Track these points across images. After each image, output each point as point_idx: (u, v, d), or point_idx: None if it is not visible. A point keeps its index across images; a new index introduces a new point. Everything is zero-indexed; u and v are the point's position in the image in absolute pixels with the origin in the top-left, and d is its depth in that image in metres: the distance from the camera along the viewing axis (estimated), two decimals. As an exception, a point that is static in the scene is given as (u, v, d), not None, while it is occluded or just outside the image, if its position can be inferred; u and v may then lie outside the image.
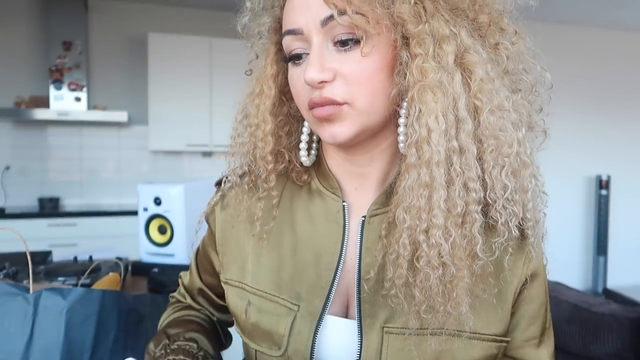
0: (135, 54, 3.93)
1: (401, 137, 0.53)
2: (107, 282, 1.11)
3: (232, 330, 0.75)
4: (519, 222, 0.53)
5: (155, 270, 1.40)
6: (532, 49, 0.55)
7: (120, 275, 1.19)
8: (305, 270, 0.59)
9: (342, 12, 0.49)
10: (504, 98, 0.50)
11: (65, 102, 3.66)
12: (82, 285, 1.12)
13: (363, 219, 0.58)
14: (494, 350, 0.55)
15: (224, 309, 0.74)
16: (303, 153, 0.62)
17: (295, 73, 0.55)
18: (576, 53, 4.71)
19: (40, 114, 3.53)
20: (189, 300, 0.78)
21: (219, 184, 0.71)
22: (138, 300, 0.82)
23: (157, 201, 1.53)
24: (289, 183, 0.65)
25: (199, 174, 4.18)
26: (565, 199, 4.76)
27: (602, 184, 4.59)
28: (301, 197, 0.63)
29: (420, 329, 0.52)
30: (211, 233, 0.70)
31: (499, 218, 0.51)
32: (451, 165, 0.49)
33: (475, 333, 0.53)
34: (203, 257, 0.73)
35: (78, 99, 3.70)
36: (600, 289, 4.57)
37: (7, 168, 3.71)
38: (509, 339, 0.57)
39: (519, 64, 0.54)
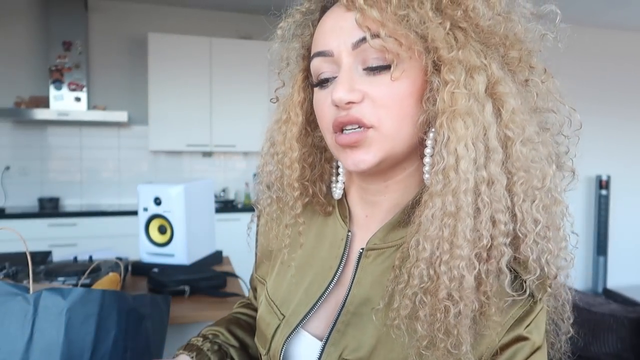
0: (135, 54, 3.93)
1: (426, 168, 0.53)
2: (107, 282, 1.11)
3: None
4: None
5: (155, 270, 1.40)
6: (560, 89, 0.55)
7: (120, 275, 1.19)
8: (301, 285, 0.62)
9: (375, 35, 0.49)
10: (534, 132, 0.50)
11: (65, 102, 3.67)
12: (82, 285, 1.12)
13: (361, 251, 0.59)
14: None
15: None
16: (339, 186, 0.63)
17: (321, 96, 0.55)
18: (576, 53, 4.71)
19: (40, 114, 3.54)
20: (250, 296, 0.85)
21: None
22: (138, 300, 0.82)
23: (157, 201, 1.53)
24: (314, 212, 0.66)
25: (199, 174, 4.18)
26: (565, 199, 4.75)
27: (602, 184, 4.59)
28: (320, 215, 0.66)
29: None
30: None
31: (530, 254, 0.49)
32: (479, 196, 0.47)
33: None
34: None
35: (78, 99, 3.70)
36: (600, 289, 4.57)
37: (7, 168, 3.71)
38: None
39: (547, 103, 0.54)
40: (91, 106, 3.81)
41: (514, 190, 0.49)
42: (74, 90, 3.69)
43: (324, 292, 0.60)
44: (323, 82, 0.55)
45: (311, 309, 0.59)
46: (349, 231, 0.61)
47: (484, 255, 0.47)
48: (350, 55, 0.51)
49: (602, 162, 4.83)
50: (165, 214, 1.52)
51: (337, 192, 0.63)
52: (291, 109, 0.62)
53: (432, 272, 0.48)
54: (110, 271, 1.22)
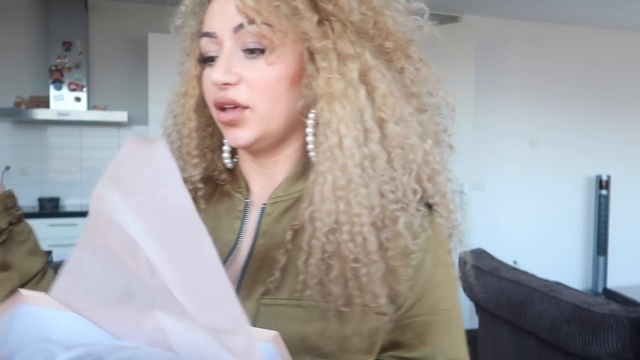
0: (135, 54, 3.93)
1: (310, 146, 0.58)
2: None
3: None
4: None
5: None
6: (437, 75, 0.62)
7: (120, 275, 1.19)
8: None
9: (251, 22, 0.53)
10: (408, 114, 0.56)
11: (65, 102, 3.66)
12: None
13: (263, 206, 0.61)
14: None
15: None
16: (226, 155, 0.66)
17: (207, 73, 0.59)
18: (576, 53, 4.71)
19: (40, 114, 3.53)
20: None
21: None
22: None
23: (157, 201, 1.52)
24: (211, 184, 0.68)
25: (199, 174, 4.17)
26: (565, 199, 4.76)
27: (602, 184, 4.59)
28: (213, 199, 0.67)
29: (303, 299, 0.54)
30: None
31: (414, 220, 0.55)
32: (364, 170, 0.52)
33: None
34: None
35: (78, 99, 3.70)
36: (600, 289, 4.57)
37: (7, 168, 3.71)
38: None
39: (423, 88, 0.61)
40: (91, 106, 3.81)
41: (393, 167, 0.55)
42: (74, 90, 3.69)
43: (227, 257, 0.60)
44: (209, 60, 0.58)
45: None
46: (247, 199, 0.64)
47: (380, 224, 0.53)
48: (232, 38, 0.55)
49: (602, 162, 4.83)
50: (166, 214, 1.52)
51: (227, 160, 0.66)
52: (189, 82, 0.64)
53: (334, 241, 0.52)
54: (111, 271, 1.22)
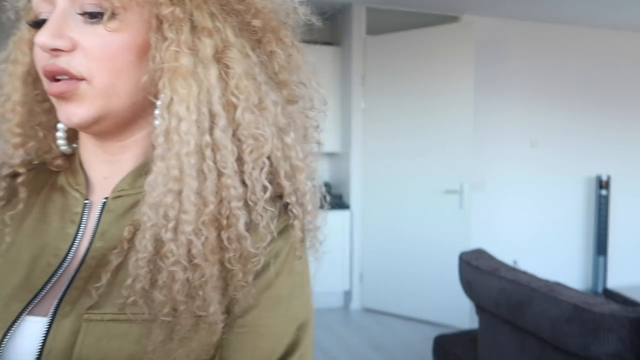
0: None
1: (157, 130, 0.50)
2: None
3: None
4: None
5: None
6: (312, 64, 0.55)
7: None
8: (14, 272, 0.51)
9: None
10: (271, 102, 0.50)
11: (65, 102, 3.65)
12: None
13: (105, 201, 0.53)
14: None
15: None
16: (60, 135, 0.55)
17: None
18: (576, 53, 4.71)
19: None
20: None
21: None
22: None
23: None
24: (43, 173, 0.58)
25: (199, 174, 4.17)
26: (565, 199, 4.76)
27: (602, 184, 4.59)
28: (43, 192, 0.56)
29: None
30: None
31: (260, 221, 0.49)
32: (204, 161, 0.46)
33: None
34: None
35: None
36: (600, 289, 4.57)
37: (7, 168, 3.70)
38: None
39: (294, 76, 0.54)
40: (91, 106, 3.80)
41: (244, 159, 0.48)
42: (74, 90, 3.68)
43: (57, 269, 0.50)
44: (41, 23, 0.48)
45: (39, 291, 0.49)
46: (86, 199, 0.53)
47: (224, 222, 0.47)
48: None
49: (602, 162, 4.83)
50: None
51: (61, 142, 0.56)
52: (19, 47, 0.55)
53: (159, 239, 0.46)
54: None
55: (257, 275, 0.49)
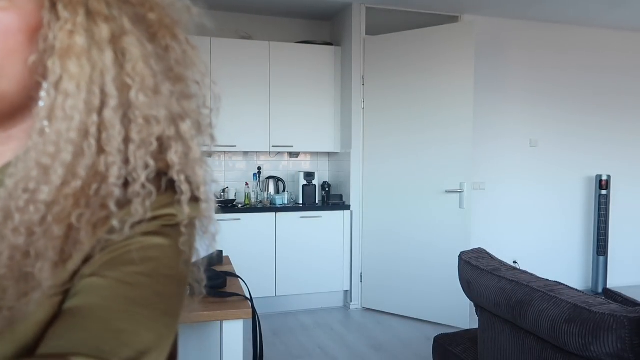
0: None
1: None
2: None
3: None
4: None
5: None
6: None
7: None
8: None
9: None
10: (167, 90, 0.50)
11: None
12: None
13: None
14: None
15: None
16: None
17: None
18: (576, 53, 4.71)
19: None
20: None
21: None
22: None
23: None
24: None
25: (199, 174, 4.17)
26: (565, 199, 4.76)
27: (602, 184, 4.59)
28: None
29: None
30: None
31: (135, 198, 0.48)
32: (86, 139, 0.46)
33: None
34: None
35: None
36: (600, 289, 4.57)
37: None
38: None
39: (189, 72, 0.55)
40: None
41: (132, 137, 0.48)
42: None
43: None
44: None
45: None
46: None
47: (90, 195, 0.46)
48: None
49: (602, 162, 4.83)
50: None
51: None
52: None
53: (7, 212, 0.45)
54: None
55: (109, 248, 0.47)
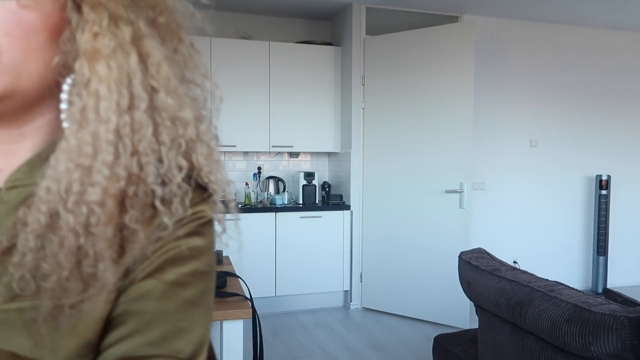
0: (135, 54, 3.93)
1: (64, 116, 0.48)
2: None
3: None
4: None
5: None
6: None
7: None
8: None
9: None
10: (184, 92, 0.52)
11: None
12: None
13: None
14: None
15: None
16: None
17: None
18: (576, 53, 4.71)
19: None
20: None
21: None
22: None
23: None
24: None
25: (199, 174, 4.18)
26: (565, 198, 4.76)
27: (602, 184, 4.59)
28: None
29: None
30: None
31: (174, 197, 0.50)
32: (121, 139, 0.46)
33: None
34: None
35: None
36: (600, 289, 4.57)
37: None
38: None
39: (194, 75, 0.56)
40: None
41: (161, 140, 0.49)
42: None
43: None
44: None
45: None
46: None
47: (124, 195, 0.47)
48: None
49: (602, 162, 4.83)
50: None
51: None
52: None
53: (54, 214, 0.45)
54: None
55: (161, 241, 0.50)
